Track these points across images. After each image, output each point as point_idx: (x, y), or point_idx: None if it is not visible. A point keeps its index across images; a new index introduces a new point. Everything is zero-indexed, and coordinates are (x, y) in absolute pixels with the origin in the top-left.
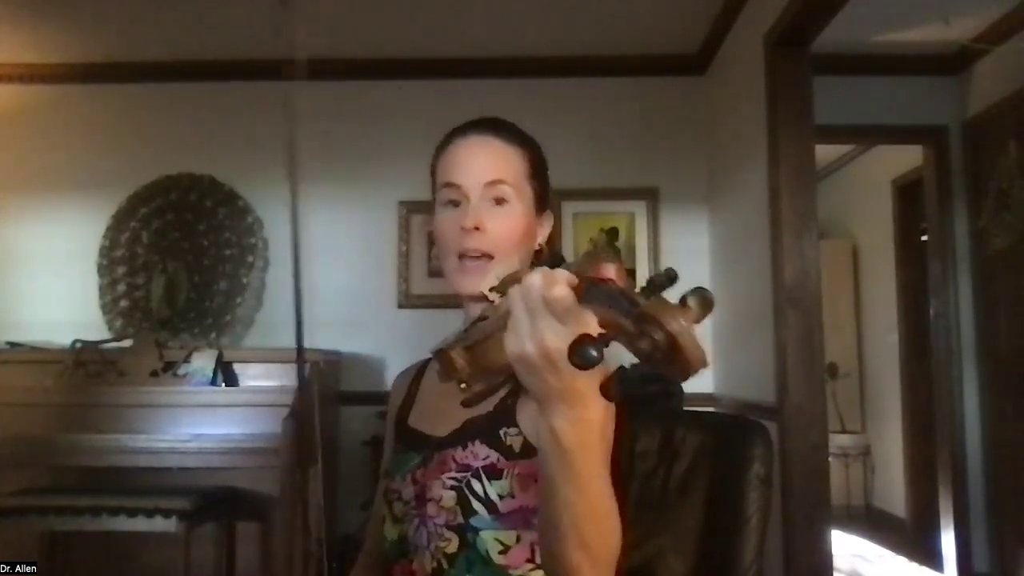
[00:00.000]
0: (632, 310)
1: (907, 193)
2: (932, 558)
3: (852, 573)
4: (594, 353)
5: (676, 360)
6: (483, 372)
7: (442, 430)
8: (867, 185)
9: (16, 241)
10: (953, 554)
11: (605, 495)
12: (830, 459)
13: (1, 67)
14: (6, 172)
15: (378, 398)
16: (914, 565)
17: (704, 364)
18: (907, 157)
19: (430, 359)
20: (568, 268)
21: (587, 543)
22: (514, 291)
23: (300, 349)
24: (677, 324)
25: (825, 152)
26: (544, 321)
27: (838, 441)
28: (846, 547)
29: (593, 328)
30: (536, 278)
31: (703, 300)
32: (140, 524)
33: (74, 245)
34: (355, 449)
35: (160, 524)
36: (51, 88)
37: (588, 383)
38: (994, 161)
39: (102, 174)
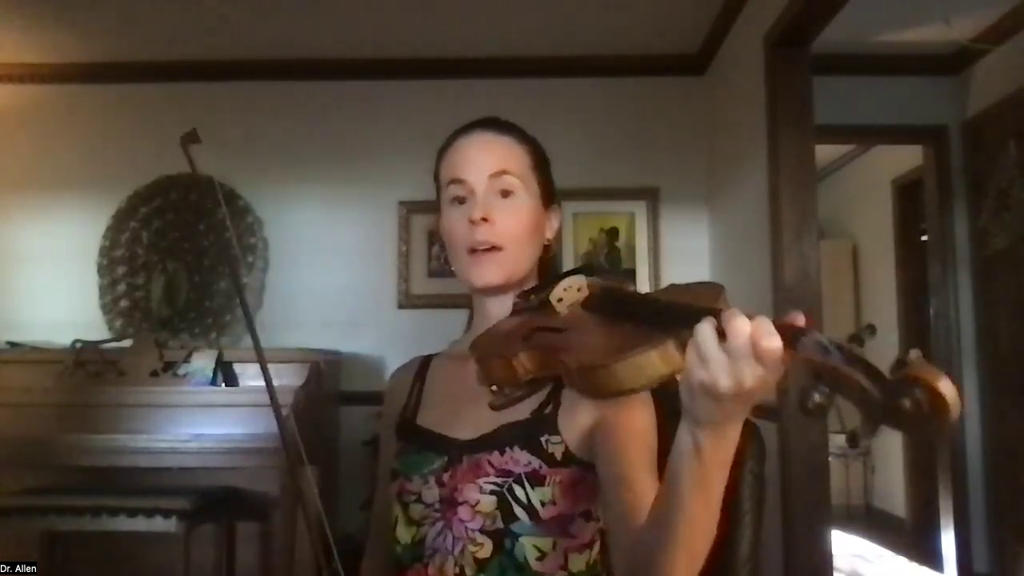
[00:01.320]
0: (871, 369)
1: (907, 193)
2: (932, 558)
3: (852, 573)
4: (818, 398)
5: (937, 420)
6: (537, 381)
7: (465, 432)
8: (867, 185)
9: (16, 241)
10: (953, 554)
11: (719, 510)
12: (830, 459)
13: (1, 67)
14: (6, 172)
15: (378, 398)
16: (914, 565)
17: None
18: (907, 157)
19: (430, 356)
20: (676, 294)
21: (693, 553)
22: (706, 330)
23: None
24: (947, 387)
25: (825, 152)
26: (747, 364)
27: (838, 441)
28: (846, 547)
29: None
30: (744, 325)
31: (923, 363)
32: (140, 524)
33: (74, 245)
34: (355, 449)
35: (160, 524)
36: (51, 88)
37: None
38: (994, 161)
39: (102, 174)
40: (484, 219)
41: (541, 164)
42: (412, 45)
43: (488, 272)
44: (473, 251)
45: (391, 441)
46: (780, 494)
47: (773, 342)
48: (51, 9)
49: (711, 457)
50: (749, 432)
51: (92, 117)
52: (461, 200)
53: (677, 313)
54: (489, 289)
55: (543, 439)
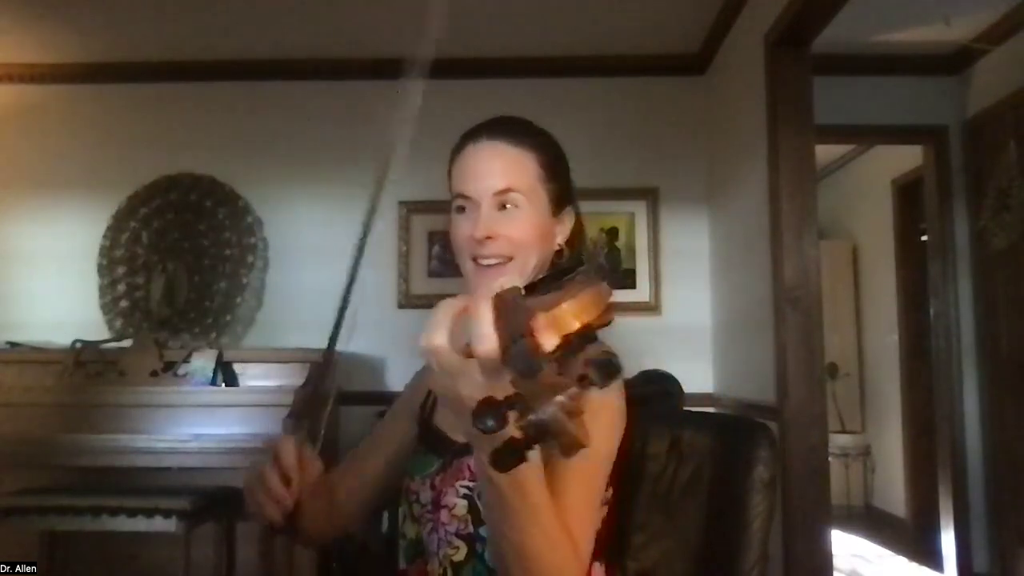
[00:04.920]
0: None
1: (907, 193)
2: (932, 558)
3: (852, 573)
4: (491, 422)
5: (557, 441)
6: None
7: (460, 435)
8: (867, 185)
9: (16, 241)
10: (953, 554)
11: (549, 531)
12: (830, 459)
13: (1, 67)
14: (6, 172)
15: (378, 398)
16: (914, 565)
17: (576, 452)
18: (907, 157)
19: None
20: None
21: (534, 573)
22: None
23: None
24: (553, 409)
25: (825, 152)
26: (465, 376)
27: (838, 441)
28: (846, 547)
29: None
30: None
31: (606, 369)
32: (140, 524)
33: (74, 245)
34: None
35: (160, 524)
36: (51, 88)
37: None
38: (994, 161)
39: (102, 174)
40: (488, 238)
41: (552, 170)
42: (412, 45)
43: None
44: (477, 262)
45: (401, 420)
46: (780, 494)
47: (487, 348)
48: (51, 9)
49: (503, 483)
50: (757, 437)
51: (92, 117)
52: (467, 211)
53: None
54: None
55: None
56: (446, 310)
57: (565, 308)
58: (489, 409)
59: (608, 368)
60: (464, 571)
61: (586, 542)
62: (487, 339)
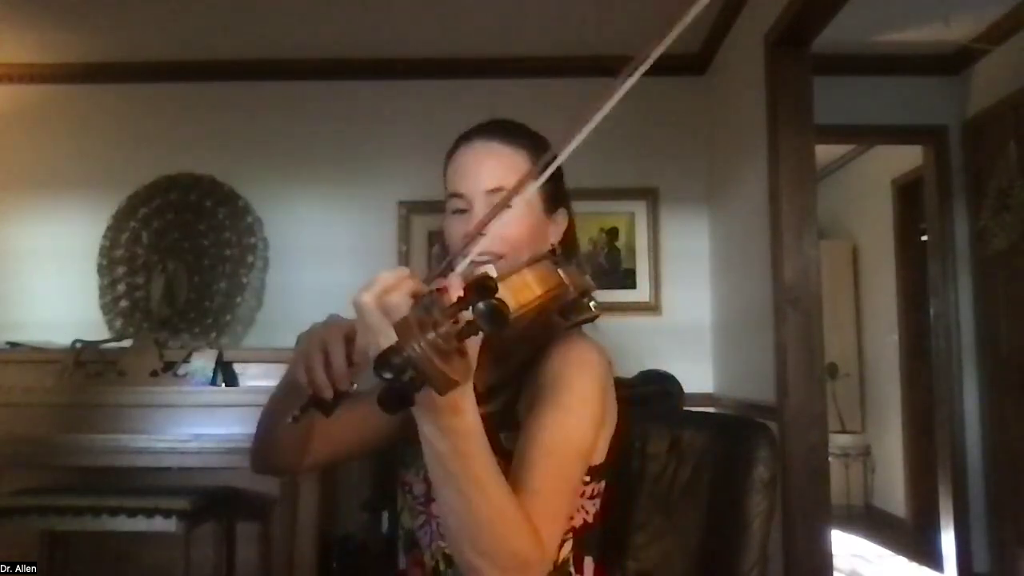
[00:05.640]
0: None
1: (907, 193)
2: (932, 558)
3: (852, 573)
4: (387, 373)
5: (428, 377)
6: None
7: None
8: (867, 185)
9: (16, 241)
10: (953, 554)
11: (497, 504)
12: (830, 459)
13: (1, 67)
14: (6, 172)
15: None
16: (914, 565)
17: (448, 388)
18: (907, 157)
19: None
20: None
21: (483, 550)
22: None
23: None
24: (418, 345)
25: (825, 152)
26: (382, 331)
27: (838, 441)
28: (846, 547)
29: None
30: (375, 285)
31: (488, 315)
32: (140, 524)
33: (74, 245)
34: None
35: (160, 524)
36: (51, 88)
37: (456, 393)
38: (994, 161)
39: (102, 174)
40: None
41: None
42: (412, 45)
43: None
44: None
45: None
46: (780, 494)
47: (394, 298)
48: (51, 9)
49: (443, 448)
50: (756, 437)
51: (92, 117)
52: (460, 211)
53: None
54: None
55: (502, 436)
56: (385, 273)
57: (482, 271)
58: (386, 358)
59: (493, 316)
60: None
61: (552, 529)
62: (392, 288)
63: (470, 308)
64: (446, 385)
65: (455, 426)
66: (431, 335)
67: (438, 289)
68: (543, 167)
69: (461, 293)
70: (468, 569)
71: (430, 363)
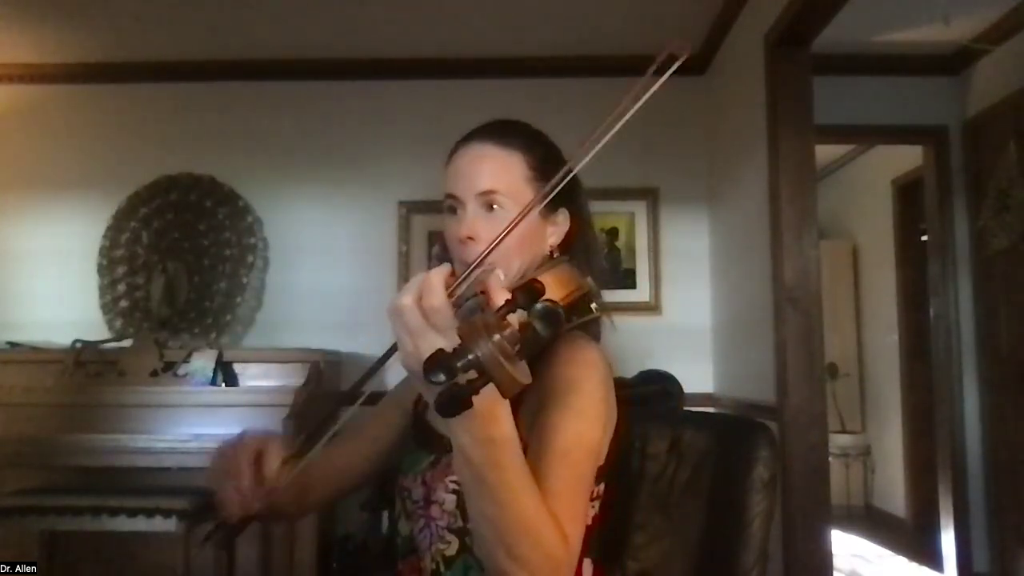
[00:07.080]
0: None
1: (907, 193)
2: (932, 558)
3: (852, 573)
4: (441, 375)
5: (494, 380)
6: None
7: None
8: (867, 185)
9: (16, 241)
10: (953, 554)
11: (531, 510)
12: (830, 459)
13: (1, 67)
14: (6, 172)
15: (379, 398)
16: (914, 565)
17: (514, 390)
18: (907, 157)
19: None
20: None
21: (517, 556)
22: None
23: None
24: (486, 347)
25: (825, 152)
26: (425, 334)
27: (838, 441)
28: (846, 547)
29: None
30: (413, 288)
31: (548, 318)
32: (140, 524)
33: (74, 245)
34: None
35: (160, 524)
36: (51, 88)
37: (493, 402)
38: (994, 161)
39: (102, 174)
40: (470, 238)
41: (541, 171)
42: (412, 45)
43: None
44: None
45: (385, 415)
46: (780, 494)
47: (434, 300)
48: (51, 9)
49: (478, 458)
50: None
51: (92, 117)
52: (455, 212)
53: None
54: None
55: None
56: (419, 278)
57: (496, 273)
58: (438, 362)
59: (550, 316)
60: (455, 565)
61: (574, 529)
62: (435, 291)
63: (518, 311)
64: (512, 387)
65: (492, 435)
66: (497, 336)
67: (481, 292)
68: (543, 196)
69: (505, 295)
70: (499, 575)
71: (499, 365)
